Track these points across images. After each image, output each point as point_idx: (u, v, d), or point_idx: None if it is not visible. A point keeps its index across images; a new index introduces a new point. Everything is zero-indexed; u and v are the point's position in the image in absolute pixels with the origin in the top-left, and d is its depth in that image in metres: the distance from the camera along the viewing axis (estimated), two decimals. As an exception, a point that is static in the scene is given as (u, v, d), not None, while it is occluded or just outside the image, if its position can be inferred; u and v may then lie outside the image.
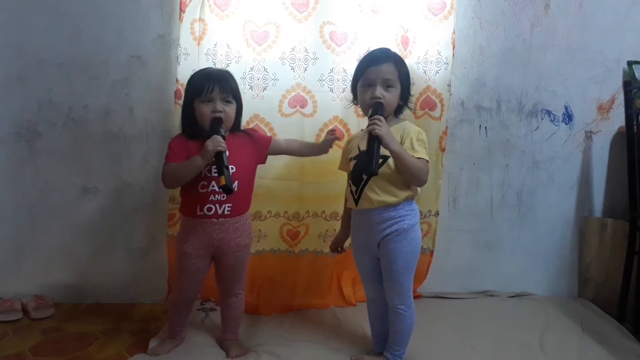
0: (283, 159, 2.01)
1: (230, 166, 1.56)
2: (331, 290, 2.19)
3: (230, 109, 1.64)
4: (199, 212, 1.62)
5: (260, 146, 1.76)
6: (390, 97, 1.56)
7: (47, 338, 1.84)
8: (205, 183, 1.61)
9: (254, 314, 2.06)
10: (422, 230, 2.12)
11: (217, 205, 1.62)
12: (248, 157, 1.71)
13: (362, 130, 1.71)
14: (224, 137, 1.58)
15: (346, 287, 2.20)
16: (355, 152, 1.64)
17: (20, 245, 2.14)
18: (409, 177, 1.54)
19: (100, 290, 2.17)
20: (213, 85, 1.60)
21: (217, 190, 1.60)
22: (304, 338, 1.87)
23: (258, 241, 2.08)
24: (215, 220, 1.63)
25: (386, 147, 1.46)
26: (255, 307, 2.09)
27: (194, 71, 1.89)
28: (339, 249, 1.83)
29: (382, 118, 1.48)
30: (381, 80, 1.55)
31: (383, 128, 1.46)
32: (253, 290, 2.12)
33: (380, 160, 1.53)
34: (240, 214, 1.68)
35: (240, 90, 1.72)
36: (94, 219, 2.15)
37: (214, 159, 1.53)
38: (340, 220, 1.87)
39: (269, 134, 1.99)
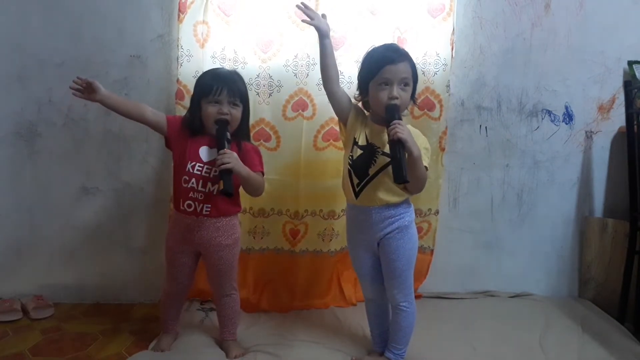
0: (282, 158, 2.03)
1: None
2: (331, 290, 2.19)
3: (237, 112, 1.63)
4: (181, 207, 1.64)
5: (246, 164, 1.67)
6: (405, 96, 1.56)
7: (47, 338, 1.84)
8: (187, 178, 1.62)
9: (254, 312, 2.07)
10: (422, 229, 2.17)
11: (196, 203, 1.62)
12: None
13: (367, 113, 1.68)
14: (229, 141, 1.59)
15: (347, 286, 2.20)
16: (364, 142, 1.61)
17: (20, 245, 2.14)
18: (415, 183, 1.53)
19: (100, 290, 2.17)
20: (222, 87, 1.59)
21: (197, 188, 1.61)
22: (304, 338, 1.86)
23: (262, 238, 2.11)
24: (195, 218, 1.64)
25: (409, 150, 1.45)
26: (256, 306, 2.10)
27: (197, 72, 1.92)
28: None
29: (402, 122, 1.48)
30: (398, 80, 1.53)
31: (405, 132, 1.45)
32: (256, 289, 2.13)
33: (388, 161, 1.53)
34: (221, 215, 1.66)
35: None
36: (94, 219, 2.15)
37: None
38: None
39: (273, 137, 2.02)
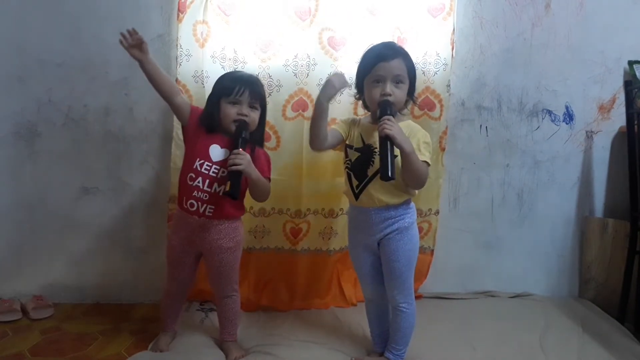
0: (282, 158, 2.03)
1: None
2: (331, 290, 2.19)
3: (255, 115, 1.64)
4: (184, 205, 1.63)
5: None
6: (399, 94, 1.55)
7: (47, 338, 1.84)
8: (193, 175, 1.61)
9: (254, 311, 2.07)
10: (422, 229, 2.17)
11: (199, 203, 1.61)
12: None
13: (362, 117, 1.68)
14: (246, 141, 1.58)
15: (347, 286, 2.20)
16: (359, 144, 1.61)
17: (20, 245, 2.14)
18: (412, 179, 1.52)
19: (100, 290, 2.17)
20: (244, 88, 1.60)
21: (203, 188, 1.60)
22: (304, 338, 1.86)
23: (263, 237, 2.11)
24: (197, 218, 1.63)
25: (398, 146, 1.43)
26: (256, 305, 2.10)
27: (196, 72, 1.95)
28: None
29: (391, 118, 1.46)
30: (392, 77, 1.53)
31: (394, 128, 1.43)
32: (257, 288, 2.14)
33: None
34: (223, 217, 1.65)
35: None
36: (94, 219, 2.15)
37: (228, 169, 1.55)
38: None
39: (273, 137, 2.02)
